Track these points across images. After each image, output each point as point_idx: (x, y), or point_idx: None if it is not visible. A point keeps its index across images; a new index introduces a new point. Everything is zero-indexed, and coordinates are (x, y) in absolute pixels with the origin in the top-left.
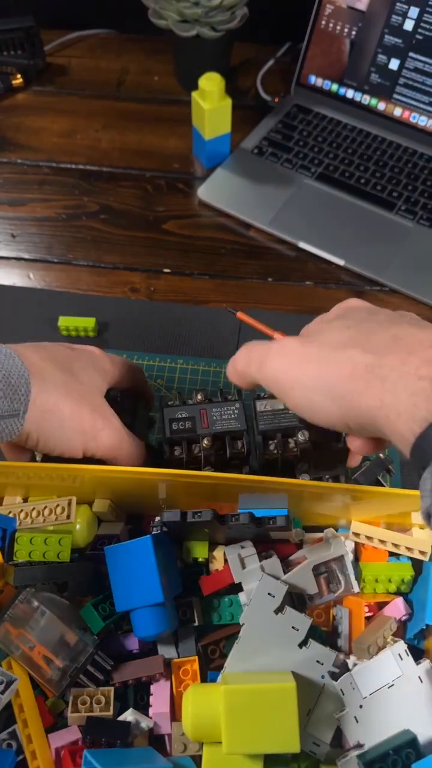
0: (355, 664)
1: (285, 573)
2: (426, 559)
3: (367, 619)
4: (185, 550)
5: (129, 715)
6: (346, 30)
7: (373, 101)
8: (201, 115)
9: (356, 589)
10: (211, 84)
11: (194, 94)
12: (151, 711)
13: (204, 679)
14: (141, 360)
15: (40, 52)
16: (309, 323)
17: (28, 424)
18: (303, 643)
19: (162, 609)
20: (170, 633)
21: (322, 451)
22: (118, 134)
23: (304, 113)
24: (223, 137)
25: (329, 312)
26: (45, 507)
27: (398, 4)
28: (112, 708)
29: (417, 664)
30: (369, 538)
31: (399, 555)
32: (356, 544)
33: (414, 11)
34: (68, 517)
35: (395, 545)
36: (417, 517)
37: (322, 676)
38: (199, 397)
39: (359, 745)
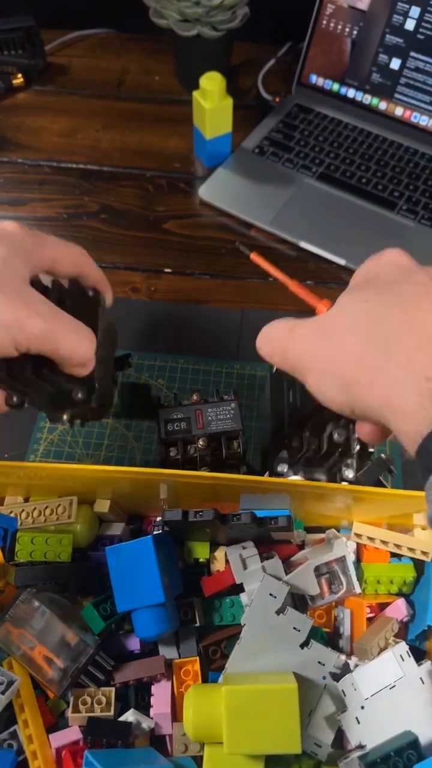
0: (356, 665)
1: (287, 574)
2: (428, 559)
3: (369, 620)
4: (187, 551)
5: (130, 716)
6: (347, 29)
7: (375, 101)
8: (202, 115)
9: (358, 590)
10: (212, 83)
11: (195, 94)
12: (152, 711)
13: (205, 680)
14: (142, 360)
15: (40, 52)
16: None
17: None
18: (304, 644)
19: (163, 609)
20: (171, 633)
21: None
22: (119, 134)
23: (305, 113)
24: (224, 137)
25: (374, 259)
26: (46, 507)
27: (399, 3)
28: (113, 708)
29: (418, 665)
30: (371, 538)
31: (401, 556)
32: (358, 544)
33: (415, 11)
34: (69, 517)
35: (397, 546)
36: (419, 518)
37: (324, 677)
38: (195, 397)
39: (360, 746)
